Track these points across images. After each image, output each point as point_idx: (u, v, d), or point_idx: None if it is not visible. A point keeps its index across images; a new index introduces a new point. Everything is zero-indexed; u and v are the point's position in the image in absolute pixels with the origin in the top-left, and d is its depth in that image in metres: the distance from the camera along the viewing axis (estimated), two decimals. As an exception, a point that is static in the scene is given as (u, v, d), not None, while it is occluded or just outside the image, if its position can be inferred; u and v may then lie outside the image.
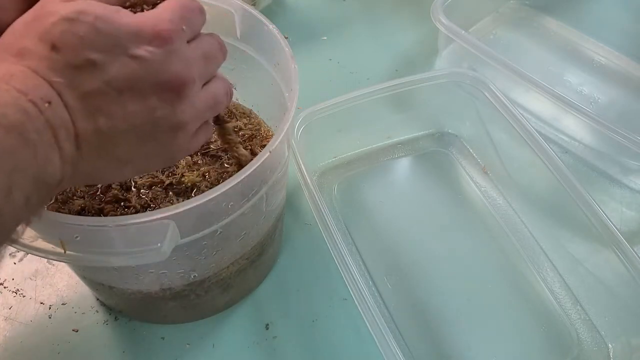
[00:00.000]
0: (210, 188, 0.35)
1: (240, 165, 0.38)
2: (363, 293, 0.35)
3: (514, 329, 0.42)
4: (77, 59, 0.23)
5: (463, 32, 0.55)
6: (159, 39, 0.25)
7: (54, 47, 0.23)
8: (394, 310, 0.42)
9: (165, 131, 0.26)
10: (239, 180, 0.29)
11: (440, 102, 0.53)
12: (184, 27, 0.26)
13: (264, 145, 0.41)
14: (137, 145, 0.26)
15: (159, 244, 0.27)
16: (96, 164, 0.25)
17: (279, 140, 0.32)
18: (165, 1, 0.27)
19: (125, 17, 0.24)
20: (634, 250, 0.39)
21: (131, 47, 0.24)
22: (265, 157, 0.31)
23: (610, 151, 0.53)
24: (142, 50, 0.24)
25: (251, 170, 0.30)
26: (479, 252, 0.47)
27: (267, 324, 0.42)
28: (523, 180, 0.49)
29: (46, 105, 0.22)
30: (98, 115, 0.24)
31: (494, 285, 0.45)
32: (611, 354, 0.41)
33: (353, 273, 0.36)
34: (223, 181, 0.30)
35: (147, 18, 0.25)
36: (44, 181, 0.22)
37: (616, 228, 0.40)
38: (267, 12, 0.68)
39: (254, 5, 0.64)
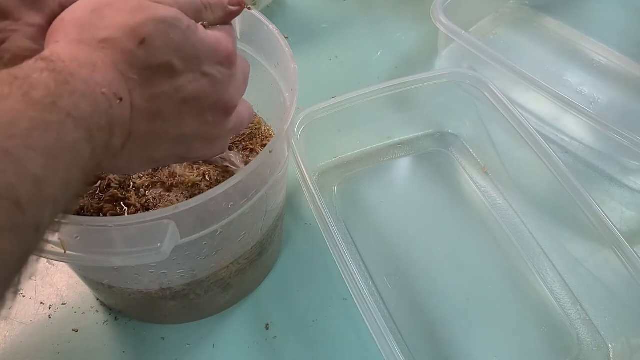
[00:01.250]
0: (210, 188, 0.35)
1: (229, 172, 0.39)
2: (363, 293, 0.35)
3: (514, 329, 0.42)
4: (160, 60, 0.23)
5: (463, 32, 0.55)
6: (229, 61, 0.26)
7: (142, 42, 0.23)
8: (394, 310, 0.42)
9: (199, 142, 0.28)
10: (239, 180, 0.30)
11: (440, 102, 0.53)
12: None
13: (264, 145, 0.41)
14: (172, 149, 0.27)
15: (159, 244, 0.27)
16: (131, 160, 0.25)
17: (279, 140, 0.32)
18: (224, 25, 0.28)
19: (204, 34, 0.25)
20: (634, 250, 0.39)
21: (206, 63, 0.25)
22: (265, 157, 0.31)
23: (610, 151, 0.53)
24: (214, 70, 0.26)
25: (251, 170, 0.30)
26: (478, 252, 0.47)
27: (267, 324, 0.42)
28: (523, 180, 0.49)
29: (118, 102, 0.22)
30: (156, 118, 0.24)
31: (494, 285, 0.45)
32: (611, 354, 0.41)
33: (353, 273, 0.36)
34: (223, 181, 0.30)
35: (219, 38, 0.26)
36: (89, 174, 0.22)
37: (616, 228, 0.40)
38: (267, 12, 0.68)
39: (254, 5, 0.64)
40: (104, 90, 0.22)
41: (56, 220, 0.20)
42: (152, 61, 0.23)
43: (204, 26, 0.27)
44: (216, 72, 0.26)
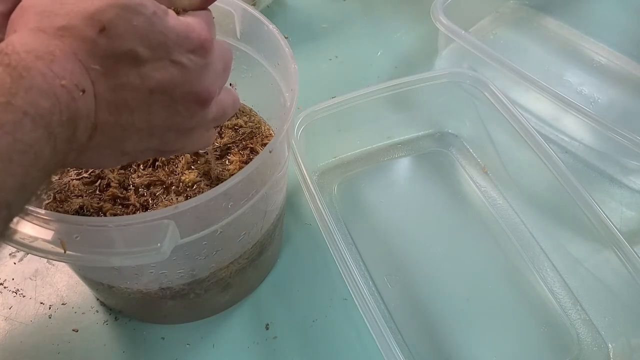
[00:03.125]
0: (210, 188, 0.35)
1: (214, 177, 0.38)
2: (363, 293, 0.35)
3: (514, 329, 0.42)
4: (123, 48, 0.22)
5: (463, 32, 0.55)
6: (203, 49, 0.25)
7: (102, 30, 0.21)
8: (394, 310, 0.42)
9: (174, 134, 0.26)
10: (239, 180, 0.29)
11: (440, 102, 0.53)
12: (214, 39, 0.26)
13: (265, 144, 0.41)
14: (144, 142, 0.25)
15: (159, 244, 0.27)
16: (101, 154, 0.25)
17: (279, 140, 0.32)
18: (200, 11, 0.26)
19: (175, 20, 0.24)
20: (634, 250, 0.39)
21: (176, 51, 0.24)
22: (265, 156, 0.31)
23: (610, 151, 0.53)
24: (185, 58, 0.24)
25: (251, 170, 0.30)
26: (479, 252, 0.47)
27: (267, 324, 0.42)
28: (523, 180, 0.49)
29: (80, 94, 0.21)
30: (123, 109, 0.23)
31: (494, 285, 0.45)
32: (611, 354, 0.41)
33: (353, 273, 0.36)
34: (223, 181, 0.30)
35: (192, 25, 0.24)
36: (50, 172, 0.21)
37: (616, 228, 0.40)
38: (267, 12, 0.68)
39: (254, 5, 0.64)
40: (63, 82, 0.20)
41: (10, 226, 0.20)
42: (114, 49, 0.22)
43: (177, 12, 0.25)
44: (187, 60, 0.24)
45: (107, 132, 0.23)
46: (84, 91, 0.21)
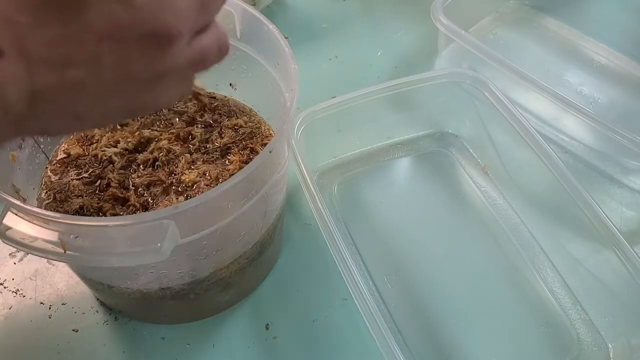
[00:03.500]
0: (210, 187, 0.35)
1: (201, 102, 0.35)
2: (363, 293, 0.35)
3: (514, 329, 0.42)
4: None
5: (463, 32, 0.55)
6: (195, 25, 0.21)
7: None
8: (394, 310, 0.42)
9: (135, 86, 0.22)
10: (239, 180, 0.29)
11: (440, 102, 0.53)
12: None
13: (265, 144, 0.41)
14: (101, 100, 0.21)
15: (159, 244, 0.27)
16: (52, 121, 0.21)
17: (279, 140, 0.32)
18: None
19: None
20: (634, 250, 0.39)
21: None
22: (265, 156, 0.31)
23: (610, 151, 0.53)
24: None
25: (251, 170, 0.30)
26: (479, 252, 0.47)
27: (267, 324, 0.42)
28: (523, 180, 0.49)
29: None
30: (66, 66, 0.19)
31: (494, 285, 0.45)
32: (611, 354, 0.41)
33: (353, 273, 0.36)
34: (223, 181, 0.30)
35: None
36: None
37: (616, 228, 0.40)
38: (267, 12, 0.68)
39: (254, 5, 0.64)
40: None
41: None
42: None
43: None
44: None
45: (50, 96, 0.20)
46: (2, 54, 0.18)
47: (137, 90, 0.22)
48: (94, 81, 0.20)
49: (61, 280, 0.44)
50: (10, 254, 0.45)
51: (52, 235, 0.27)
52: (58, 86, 0.20)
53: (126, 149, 0.40)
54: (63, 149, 0.41)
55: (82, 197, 0.37)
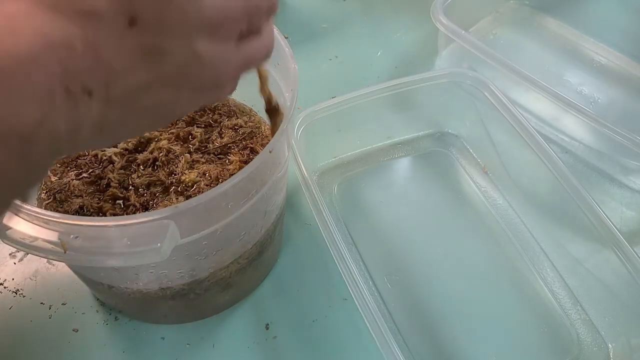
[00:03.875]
0: (210, 187, 0.35)
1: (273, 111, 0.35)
2: (363, 293, 0.35)
3: (514, 329, 0.42)
4: (150, 42, 0.18)
5: (463, 32, 0.55)
6: (224, 28, 0.21)
7: (133, 22, 0.18)
8: (394, 310, 0.42)
9: (191, 98, 0.23)
10: (239, 180, 0.29)
11: (440, 102, 0.53)
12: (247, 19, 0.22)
13: (265, 144, 0.41)
14: (147, 119, 0.22)
15: (159, 244, 0.27)
16: (105, 142, 0.22)
17: (279, 140, 0.32)
18: None
19: None
20: (634, 250, 0.39)
21: (199, 35, 0.20)
22: (265, 156, 0.31)
23: (610, 151, 0.53)
24: (204, 45, 0.20)
25: (251, 170, 0.30)
26: (479, 252, 0.47)
27: (267, 324, 0.42)
28: (523, 180, 0.49)
29: (86, 97, 0.18)
30: (132, 107, 0.20)
31: (494, 285, 0.45)
32: (611, 354, 0.41)
33: (353, 273, 0.36)
34: (223, 181, 0.30)
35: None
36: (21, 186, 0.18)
37: (616, 228, 0.40)
38: (267, 12, 0.68)
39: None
40: (72, 84, 0.16)
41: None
42: (143, 43, 0.18)
43: None
44: (206, 49, 0.20)
45: (113, 125, 0.20)
46: (90, 93, 0.18)
47: (182, 107, 0.23)
48: (148, 118, 0.22)
49: (61, 280, 0.44)
50: (10, 254, 0.45)
51: (52, 235, 0.27)
52: (120, 121, 0.20)
53: (126, 149, 0.40)
54: (63, 149, 0.41)
55: (82, 197, 0.37)
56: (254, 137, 0.42)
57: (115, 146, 0.40)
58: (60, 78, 0.16)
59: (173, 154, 0.40)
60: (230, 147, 0.41)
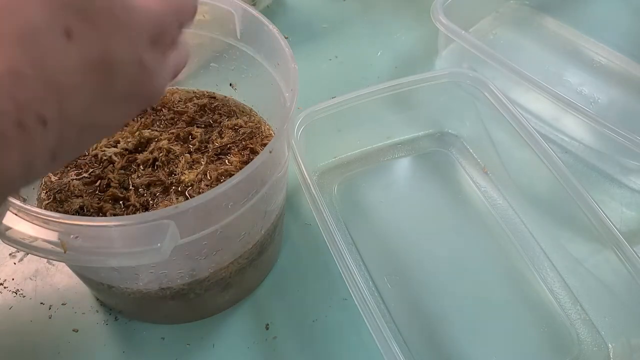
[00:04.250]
0: (210, 188, 0.35)
1: None
2: (363, 293, 0.35)
3: (514, 329, 0.42)
4: (95, 54, 0.18)
5: (463, 32, 0.55)
6: (165, 37, 0.21)
7: (69, 34, 0.17)
8: (394, 310, 0.42)
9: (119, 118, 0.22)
10: (239, 180, 0.29)
11: (440, 102, 0.53)
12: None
13: (265, 144, 0.41)
14: (105, 132, 0.23)
15: (159, 244, 0.27)
16: (65, 160, 0.20)
17: (279, 140, 0.32)
18: None
19: None
20: (634, 250, 0.39)
21: (147, 47, 0.20)
22: (265, 156, 0.31)
23: (610, 151, 0.53)
24: (151, 57, 0.20)
25: (251, 170, 0.30)
26: (479, 252, 0.47)
27: (267, 324, 0.42)
28: (523, 180, 0.49)
29: (41, 128, 0.16)
30: (91, 126, 0.20)
31: (494, 285, 0.45)
32: (611, 354, 0.41)
33: (353, 273, 0.36)
34: (223, 181, 0.30)
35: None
36: None
37: (616, 228, 0.40)
38: (267, 12, 0.68)
39: (254, 5, 0.64)
40: (24, 117, 0.15)
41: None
42: (88, 55, 0.17)
43: None
44: (150, 59, 0.20)
45: (66, 152, 0.19)
46: (45, 122, 0.16)
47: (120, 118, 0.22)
48: (99, 134, 0.22)
49: (61, 280, 0.44)
50: (10, 254, 0.45)
51: (52, 235, 0.27)
52: (71, 148, 0.20)
53: (126, 149, 0.40)
54: (63, 149, 0.41)
55: (82, 197, 0.37)
56: (254, 137, 0.42)
57: (115, 146, 0.40)
58: (12, 115, 0.15)
59: (173, 154, 0.40)
60: (230, 147, 0.41)
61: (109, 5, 0.18)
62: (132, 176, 0.38)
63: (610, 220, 0.40)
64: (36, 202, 0.38)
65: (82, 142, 0.21)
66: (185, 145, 0.41)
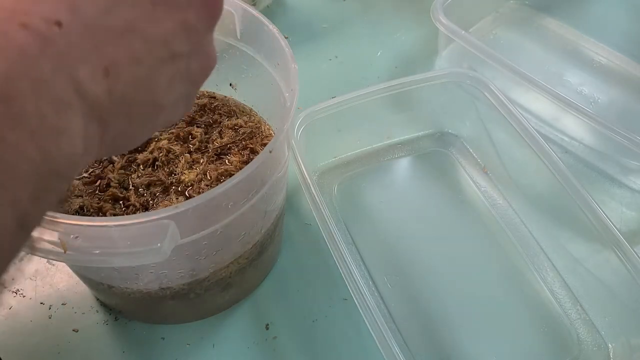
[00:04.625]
0: (210, 188, 0.35)
1: None
2: (363, 293, 0.35)
3: (514, 329, 0.42)
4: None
5: (463, 32, 0.55)
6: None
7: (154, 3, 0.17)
8: (394, 310, 0.42)
9: (194, 62, 0.21)
10: (239, 180, 0.29)
11: (440, 102, 0.53)
12: None
13: (265, 144, 0.41)
14: (167, 84, 0.20)
15: (159, 244, 0.27)
16: (111, 151, 0.20)
17: (279, 140, 0.32)
18: None
19: None
20: (634, 250, 0.39)
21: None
22: (265, 156, 0.31)
23: (610, 151, 0.53)
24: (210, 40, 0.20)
25: (251, 170, 0.30)
26: (479, 252, 0.47)
27: (267, 324, 0.42)
28: (523, 180, 0.49)
29: (55, 29, 0.14)
30: (123, 46, 0.17)
31: (494, 285, 0.45)
32: (611, 354, 0.41)
33: (353, 273, 0.36)
34: (223, 181, 0.30)
35: None
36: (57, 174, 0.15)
37: (616, 228, 0.40)
38: (267, 12, 0.68)
39: (254, 5, 0.64)
40: (26, 19, 0.13)
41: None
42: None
43: None
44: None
45: (113, 143, 0.19)
46: (59, 24, 0.14)
47: (194, 73, 0.21)
48: (157, 57, 0.19)
49: (61, 280, 0.44)
50: (10, 254, 0.45)
51: (52, 235, 0.27)
52: (123, 132, 0.19)
53: (126, 149, 0.40)
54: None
55: (82, 197, 0.37)
56: (254, 137, 0.42)
57: (115, 146, 0.40)
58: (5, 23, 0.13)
59: (173, 154, 0.40)
60: (230, 147, 0.41)
61: None
62: (132, 176, 0.38)
63: (610, 220, 0.40)
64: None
65: (132, 116, 0.18)
66: (185, 145, 0.41)
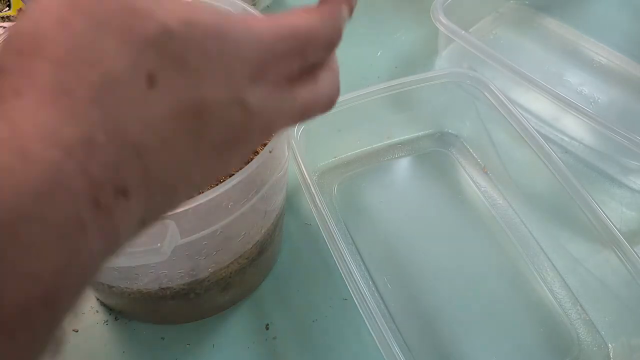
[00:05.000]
0: (210, 187, 0.35)
1: None
2: (363, 293, 0.35)
3: (514, 329, 0.42)
4: (182, 102, 0.15)
5: (463, 32, 0.55)
6: (272, 68, 0.17)
7: (151, 81, 0.14)
8: (394, 311, 0.42)
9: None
10: (239, 180, 0.30)
11: (440, 102, 0.53)
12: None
13: (265, 144, 0.41)
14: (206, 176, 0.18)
15: (159, 244, 0.27)
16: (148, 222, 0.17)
17: (279, 140, 0.32)
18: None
19: (256, 21, 0.16)
20: (634, 250, 0.39)
21: (248, 84, 0.16)
22: (265, 157, 0.31)
23: (610, 151, 0.53)
24: (256, 95, 0.17)
25: (251, 170, 0.30)
26: (478, 252, 0.47)
27: (267, 324, 0.42)
28: (523, 180, 0.49)
29: (123, 200, 0.14)
30: (179, 187, 0.16)
31: (494, 285, 0.45)
32: (611, 354, 0.41)
33: (353, 273, 0.36)
34: (223, 181, 0.30)
35: (282, 28, 0.17)
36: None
37: (616, 228, 0.40)
38: (267, 12, 0.68)
39: (254, 5, 0.64)
40: (99, 195, 0.13)
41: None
42: (173, 103, 0.15)
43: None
44: (257, 99, 0.17)
45: (156, 215, 0.17)
46: (126, 193, 0.14)
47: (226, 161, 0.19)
48: (194, 190, 0.18)
49: (61, 280, 0.43)
50: (10, 254, 0.45)
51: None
52: (160, 210, 0.17)
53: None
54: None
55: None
56: (254, 137, 0.42)
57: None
58: (86, 195, 0.12)
59: (173, 154, 0.40)
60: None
61: (202, 37, 0.15)
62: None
63: (610, 220, 0.40)
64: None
65: (176, 201, 0.17)
66: (185, 145, 0.41)
